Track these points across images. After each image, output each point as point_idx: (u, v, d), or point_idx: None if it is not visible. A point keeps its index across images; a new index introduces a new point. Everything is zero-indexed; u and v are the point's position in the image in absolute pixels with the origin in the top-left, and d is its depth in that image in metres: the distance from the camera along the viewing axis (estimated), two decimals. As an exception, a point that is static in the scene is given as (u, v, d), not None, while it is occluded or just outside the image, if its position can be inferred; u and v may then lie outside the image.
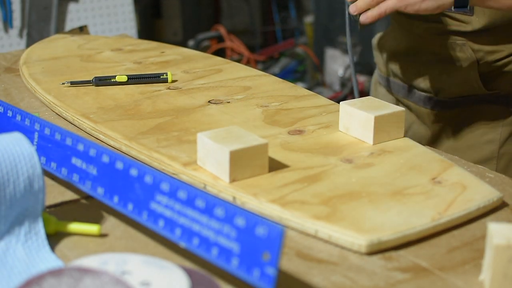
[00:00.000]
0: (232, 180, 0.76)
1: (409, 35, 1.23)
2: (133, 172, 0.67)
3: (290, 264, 0.65)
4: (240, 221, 0.58)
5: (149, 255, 0.64)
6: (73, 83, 1.07)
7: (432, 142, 1.25)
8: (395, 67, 1.28)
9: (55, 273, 0.55)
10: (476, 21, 1.14)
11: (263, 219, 0.57)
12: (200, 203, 0.61)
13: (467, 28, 1.15)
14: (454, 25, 1.16)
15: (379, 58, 1.34)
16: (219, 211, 0.59)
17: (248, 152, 0.76)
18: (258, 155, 0.77)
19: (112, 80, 1.07)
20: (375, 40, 1.35)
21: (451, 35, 1.17)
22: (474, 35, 1.16)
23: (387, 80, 1.32)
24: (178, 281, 0.58)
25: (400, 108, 0.88)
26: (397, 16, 1.25)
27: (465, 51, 1.16)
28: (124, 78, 1.07)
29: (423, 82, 1.23)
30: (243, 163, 0.76)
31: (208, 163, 0.78)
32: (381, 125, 0.86)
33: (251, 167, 0.77)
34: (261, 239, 0.56)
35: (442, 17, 1.17)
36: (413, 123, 1.28)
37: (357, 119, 0.87)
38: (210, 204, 0.60)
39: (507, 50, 1.16)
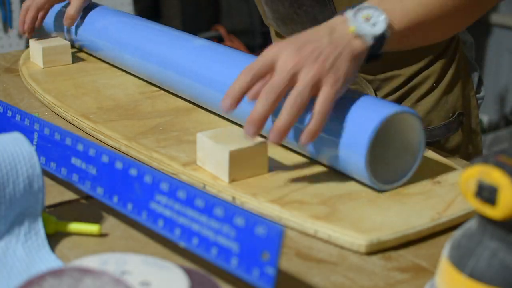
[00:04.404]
0: (232, 180, 0.76)
1: None
2: (133, 172, 0.67)
3: (289, 264, 0.65)
4: (239, 221, 0.58)
5: (149, 255, 0.64)
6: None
7: None
8: None
9: (56, 273, 0.55)
10: None
11: (262, 219, 0.57)
12: (199, 203, 0.61)
13: None
14: None
15: None
16: (218, 211, 0.59)
17: (248, 152, 0.76)
18: (257, 155, 0.77)
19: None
20: None
21: None
22: (364, 65, 1.02)
23: None
24: (178, 281, 0.58)
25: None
26: None
27: (360, 83, 1.02)
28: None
29: None
30: (242, 163, 0.76)
31: (207, 163, 0.78)
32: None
33: (250, 167, 0.77)
34: (261, 239, 0.56)
35: None
36: None
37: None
38: (210, 204, 0.60)
39: (404, 74, 1.01)
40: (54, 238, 0.68)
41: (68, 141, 0.74)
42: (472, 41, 1.12)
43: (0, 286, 0.61)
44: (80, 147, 0.73)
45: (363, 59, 0.74)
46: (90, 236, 0.69)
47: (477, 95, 1.09)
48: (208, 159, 0.78)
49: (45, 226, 0.68)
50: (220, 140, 0.77)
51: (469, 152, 1.07)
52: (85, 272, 0.55)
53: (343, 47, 0.72)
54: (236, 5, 3.32)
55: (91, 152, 0.71)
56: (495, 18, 2.88)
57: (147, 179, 0.66)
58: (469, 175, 0.50)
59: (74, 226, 0.69)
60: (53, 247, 0.67)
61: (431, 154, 0.84)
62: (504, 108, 2.95)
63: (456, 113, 1.03)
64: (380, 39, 0.73)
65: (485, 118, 2.92)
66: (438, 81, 1.02)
